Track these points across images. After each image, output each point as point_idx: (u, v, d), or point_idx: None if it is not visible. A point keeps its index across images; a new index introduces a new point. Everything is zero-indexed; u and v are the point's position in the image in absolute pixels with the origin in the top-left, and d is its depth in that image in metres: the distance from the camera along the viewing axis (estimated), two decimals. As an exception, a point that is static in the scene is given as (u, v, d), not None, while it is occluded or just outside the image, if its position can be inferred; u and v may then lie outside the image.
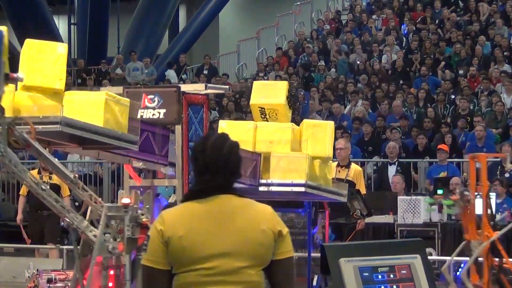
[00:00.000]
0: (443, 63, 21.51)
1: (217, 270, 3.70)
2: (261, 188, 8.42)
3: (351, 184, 11.55)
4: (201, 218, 3.76)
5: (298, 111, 8.77)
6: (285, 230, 3.85)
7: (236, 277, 3.73)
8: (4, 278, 7.33)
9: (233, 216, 3.78)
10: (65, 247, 12.42)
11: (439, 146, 15.35)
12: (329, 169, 8.87)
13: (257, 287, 3.78)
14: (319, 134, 8.70)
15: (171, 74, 24.45)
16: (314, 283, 9.71)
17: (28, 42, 6.75)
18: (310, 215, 9.73)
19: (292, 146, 8.55)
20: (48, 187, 12.15)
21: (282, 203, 9.78)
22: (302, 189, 8.42)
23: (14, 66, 6.71)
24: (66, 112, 6.35)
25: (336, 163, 11.97)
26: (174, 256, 3.73)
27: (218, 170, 3.79)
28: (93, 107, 6.61)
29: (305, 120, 9.09)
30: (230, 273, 3.71)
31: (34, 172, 12.50)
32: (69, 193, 12.97)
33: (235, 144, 3.91)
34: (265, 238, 3.77)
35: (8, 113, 6.37)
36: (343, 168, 12.11)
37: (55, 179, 12.41)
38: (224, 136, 3.91)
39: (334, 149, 10.83)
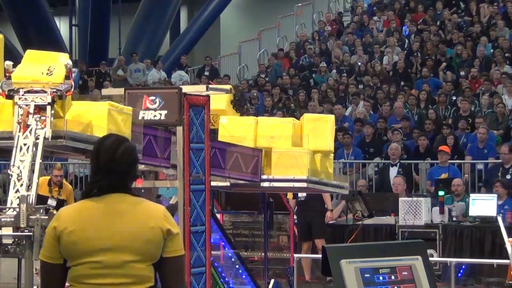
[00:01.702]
0: (444, 64, 21.52)
1: (104, 264, 3.94)
2: (263, 184, 8.45)
3: None
4: (92, 214, 4.00)
5: (247, 113, 8.85)
6: (175, 229, 4.10)
7: (123, 270, 3.96)
8: (6, 279, 7.33)
9: (124, 213, 4.02)
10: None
11: (440, 148, 15.34)
12: (330, 163, 8.90)
13: (146, 281, 4.01)
14: (320, 128, 8.72)
15: (184, 74, 24.44)
16: (270, 286, 9.69)
17: (28, 52, 6.73)
18: (265, 217, 9.75)
19: (293, 140, 8.57)
20: (55, 202, 12.22)
21: (237, 205, 9.82)
22: (304, 184, 8.46)
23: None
24: (69, 124, 6.34)
25: None
26: (65, 250, 3.98)
27: (110, 171, 4.02)
28: (96, 118, 6.61)
29: (305, 114, 9.13)
30: (117, 267, 3.95)
31: (45, 181, 12.36)
32: None
33: (129, 147, 4.12)
34: (153, 235, 4.00)
35: (10, 127, 6.39)
36: None
37: (64, 195, 12.48)
38: (120, 139, 4.14)
39: None
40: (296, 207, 13.37)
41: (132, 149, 4.14)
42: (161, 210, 4.12)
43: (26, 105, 6.12)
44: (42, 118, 6.13)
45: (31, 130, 6.08)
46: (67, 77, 6.26)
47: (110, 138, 4.14)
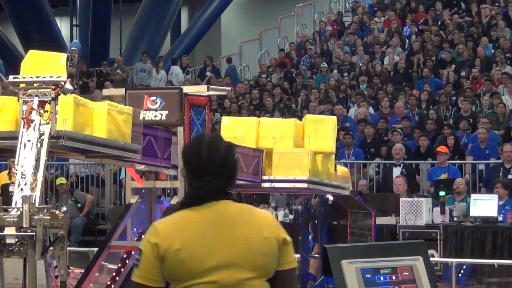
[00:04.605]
0: (453, 66, 21.47)
1: (219, 284, 3.43)
2: (264, 185, 8.46)
3: None
4: (199, 227, 3.48)
5: None
6: (289, 238, 3.60)
7: None
8: (7, 280, 7.34)
9: (234, 223, 3.51)
10: (69, 248, 12.39)
11: (438, 148, 15.34)
12: (332, 164, 8.92)
13: None
14: (322, 129, 8.74)
15: (175, 70, 24.44)
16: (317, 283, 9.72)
17: (31, 53, 6.73)
18: (320, 218, 9.77)
19: (294, 141, 8.59)
20: None
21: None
22: (305, 185, 8.47)
23: (16, 71, 6.68)
24: (68, 124, 6.35)
25: None
26: (171, 272, 3.46)
27: (216, 173, 3.51)
28: (95, 119, 6.61)
29: (307, 115, 9.14)
30: (233, 286, 3.45)
31: (5, 174, 12.44)
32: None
33: (232, 145, 3.62)
34: (269, 246, 3.52)
35: (11, 127, 6.39)
36: None
37: None
38: (219, 136, 3.67)
39: None
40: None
41: (234, 146, 3.63)
42: (271, 217, 3.64)
43: (30, 101, 6.11)
44: (45, 112, 6.11)
45: (34, 125, 6.07)
46: (70, 75, 6.23)
47: (206, 136, 3.61)
